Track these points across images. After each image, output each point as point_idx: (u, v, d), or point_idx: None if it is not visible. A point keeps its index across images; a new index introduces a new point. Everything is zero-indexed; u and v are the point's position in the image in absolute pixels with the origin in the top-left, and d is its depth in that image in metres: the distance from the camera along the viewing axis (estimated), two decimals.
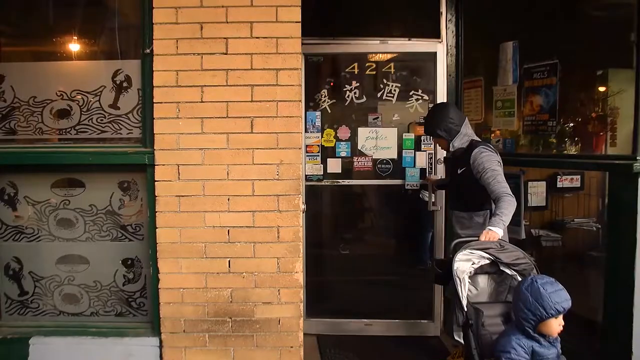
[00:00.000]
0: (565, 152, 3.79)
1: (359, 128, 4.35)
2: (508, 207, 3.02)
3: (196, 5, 3.13)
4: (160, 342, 3.30)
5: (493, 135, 4.12)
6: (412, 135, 4.33)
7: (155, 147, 3.20)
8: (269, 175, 3.19)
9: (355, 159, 4.35)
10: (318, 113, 4.28)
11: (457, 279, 2.68)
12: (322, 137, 4.29)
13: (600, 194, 4.30)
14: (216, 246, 3.23)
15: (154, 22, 3.15)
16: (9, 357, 3.34)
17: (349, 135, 4.35)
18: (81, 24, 3.56)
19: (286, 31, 3.13)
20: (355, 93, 4.34)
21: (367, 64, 4.37)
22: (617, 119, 3.50)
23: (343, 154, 4.34)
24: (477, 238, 2.89)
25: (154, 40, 3.16)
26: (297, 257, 3.23)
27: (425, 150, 4.31)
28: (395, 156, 4.35)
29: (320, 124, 4.28)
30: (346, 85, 4.35)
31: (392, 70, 4.38)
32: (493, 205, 3.19)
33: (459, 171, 3.46)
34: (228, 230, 3.22)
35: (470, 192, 3.40)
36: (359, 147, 4.36)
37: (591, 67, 3.68)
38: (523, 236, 3.83)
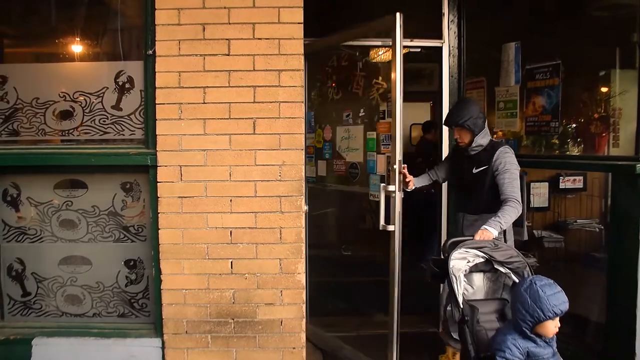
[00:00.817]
0: (567, 153, 3.80)
1: (337, 127, 4.06)
2: (511, 212, 3.09)
3: (198, 6, 3.14)
4: (163, 343, 3.30)
5: (495, 136, 4.11)
6: (374, 134, 3.73)
7: (157, 148, 3.20)
8: (272, 177, 3.19)
9: (334, 161, 4.07)
10: (313, 113, 4.16)
11: (454, 277, 2.73)
12: (315, 137, 4.18)
13: (603, 194, 4.30)
14: (218, 247, 3.23)
15: (156, 23, 3.16)
16: (12, 358, 3.34)
17: (331, 135, 4.11)
18: (84, 25, 3.56)
19: (288, 32, 3.13)
20: (335, 89, 4.10)
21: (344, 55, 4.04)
22: (620, 120, 3.50)
23: (327, 156, 4.10)
24: (471, 237, 2.95)
25: (156, 42, 3.16)
26: (300, 258, 3.23)
27: (384, 153, 3.65)
28: (361, 159, 3.84)
29: (314, 124, 4.16)
30: (328, 82, 4.15)
31: (370, 58, 3.97)
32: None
33: (476, 170, 3.37)
34: (230, 232, 3.22)
35: (485, 193, 3.35)
36: (337, 149, 4.06)
37: (594, 68, 3.68)
38: (526, 237, 3.82)
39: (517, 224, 3.76)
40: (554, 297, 2.36)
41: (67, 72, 3.48)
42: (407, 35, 4.18)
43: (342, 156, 3.95)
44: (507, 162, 3.26)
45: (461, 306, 2.69)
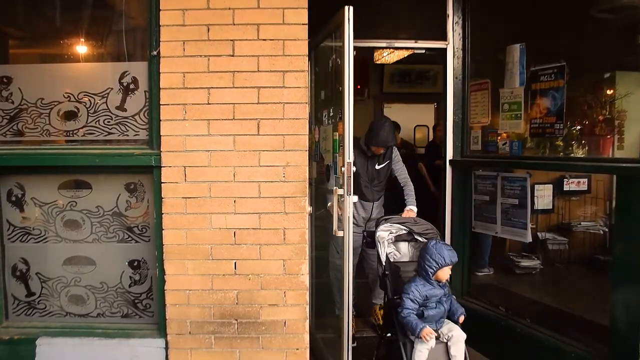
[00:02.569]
0: (572, 155, 3.78)
1: (320, 127, 4.02)
2: (413, 190, 4.37)
3: (203, 7, 3.14)
4: (166, 343, 3.30)
5: (500, 138, 4.10)
6: (337, 135, 3.58)
7: (161, 149, 3.21)
8: (275, 177, 3.19)
9: (318, 163, 4.10)
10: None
11: (379, 243, 3.72)
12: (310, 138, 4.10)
13: (608, 197, 4.30)
14: (222, 248, 3.23)
15: (160, 24, 3.16)
16: (16, 358, 3.35)
17: (318, 136, 4.10)
18: (88, 26, 3.57)
19: (293, 33, 3.13)
20: (320, 90, 4.04)
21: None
22: (625, 122, 3.49)
23: (316, 157, 4.11)
24: (396, 216, 3.95)
25: (160, 42, 3.17)
26: (303, 259, 3.23)
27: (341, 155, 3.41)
28: (330, 161, 3.79)
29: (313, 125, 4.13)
30: (313, 83, 4.05)
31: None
32: None
33: (379, 166, 4.32)
34: (234, 232, 3.22)
35: (384, 183, 4.43)
36: (320, 150, 4.08)
37: (598, 70, 3.68)
38: (529, 239, 3.81)
39: (521, 226, 3.77)
40: (449, 252, 3.34)
41: (71, 73, 3.49)
42: (411, 36, 4.21)
43: (323, 157, 3.93)
44: (399, 156, 4.47)
45: (383, 264, 3.67)
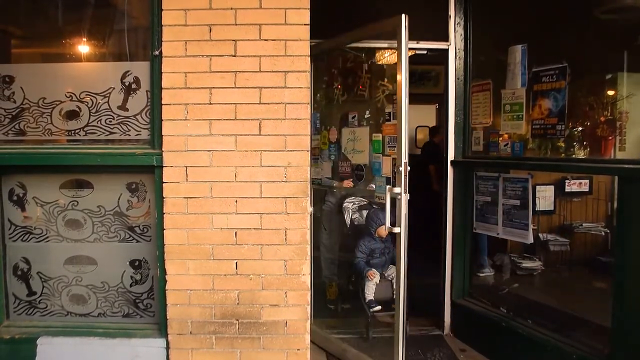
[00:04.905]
0: (573, 156, 3.78)
1: (342, 129, 4.13)
2: None
3: (205, 7, 3.14)
4: (167, 343, 3.30)
5: (501, 138, 4.10)
6: (380, 136, 3.79)
7: (163, 149, 3.21)
8: (277, 178, 3.19)
9: (340, 163, 4.21)
10: (318, 114, 4.20)
11: (345, 212, 4.52)
12: (320, 139, 4.21)
13: (609, 198, 4.29)
14: (223, 248, 3.23)
15: (163, 24, 3.17)
16: (17, 357, 3.36)
17: (336, 137, 4.17)
18: (90, 25, 3.57)
19: (295, 34, 3.13)
20: (340, 91, 4.17)
21: (359, 61, 4.13)
22: (626, 123, 3.49)
23: (333, 157, 4.22)
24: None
25: (162, 42, 3.17)
26: (304, 259, 3.23)
27: (389, 155, 3.69)
28: (367, 161, 3.99)
29: (319, 126, 4.20)
30: (334, 83, 4.19)
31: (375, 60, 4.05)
32: None
33: None
34: (235, 232, 3.22)
35: None
36: (342, 150, 4.16)
37: (600, 71, 3.67)
38: (531, 240, 3.81)
39: (522, 227, 3.77)
40: (383, 215, 3.59)
41: (73, 73, 3.49)
42: (413, 37, 4.19)
43: (348, 158, 4.04)
44: None
45: (347, 226, 4.53)
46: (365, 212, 4.45)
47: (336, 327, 4.33)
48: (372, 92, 3.94)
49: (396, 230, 3.37)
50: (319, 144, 4.23)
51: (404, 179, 3.30)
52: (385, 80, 3.96)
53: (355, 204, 4.50)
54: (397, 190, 3.34)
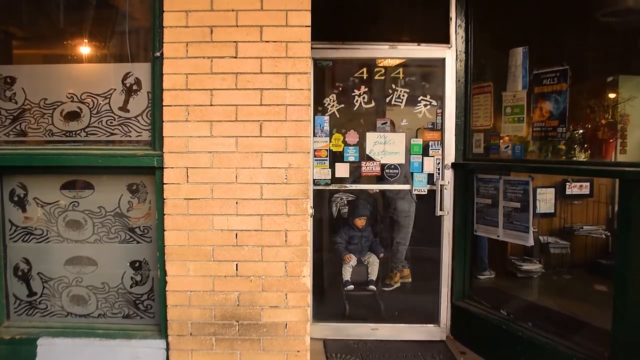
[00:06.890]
0: (574, 158, 3.77)
1: (367, 133, 4.35)
2: None
3: (206, 8, 3.15)
4: (167, 344, 3.30)
5: (502, 141, 4.11)
6: (420, 141, 4.35)
7: (164, 150, 3.21)
8: (278, 179, 3.19)
9: (363, 163, 4.36)
10: (326, 117, 4.27)
11: (333, 204, 4.65)
12: (330, 141, 4.29)
13: (610, 201, 4.28)
14: (224, 249, 3.23)
15: (164, 25, 3.17)
16: (17, 358, 3.36)
17: (357, 140, 4.35)
18: (92, 27, 3.58)
19: (296, 35, 3.14)
20: (364, 98, 4.37)
21: (376, 69, 4.38)
22: (627, 126, 3.49)
23: (351, 159, 4.35)
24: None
25: (164, 44, 3.18)
26: (305, 261, 3.23)
27: (433, 156, 4.35)
28: (402, 161, 4.38)
29: (328, 129, 4.28)
30: (355, 90, 4.36)
31: (401, 75, 4.39)
32: None
33: None
34: (236, 234, 3.22)
35: None
36: (367, 152, 4.37)
37: (601, 74, 3.67)
38: (531, 243, 3.81)
39: (523, 229, 3.77)
40: (360, 209, 4.60)
41: (75, 74, 3.50)
42: (413, 39, 4.21)
43: (374, 159, 4.37)
44: None
45: (334, 215, 4.66)
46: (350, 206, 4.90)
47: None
48: (410, 103, 4.39)
49: (441, 213, 4.25)
50: (328, 146, 4.28)
51: (449, 173, 4.29)
52: (428, 96, 4.39)
53: (343, 198, 4.78)
54: (442, 182, 4.25)
